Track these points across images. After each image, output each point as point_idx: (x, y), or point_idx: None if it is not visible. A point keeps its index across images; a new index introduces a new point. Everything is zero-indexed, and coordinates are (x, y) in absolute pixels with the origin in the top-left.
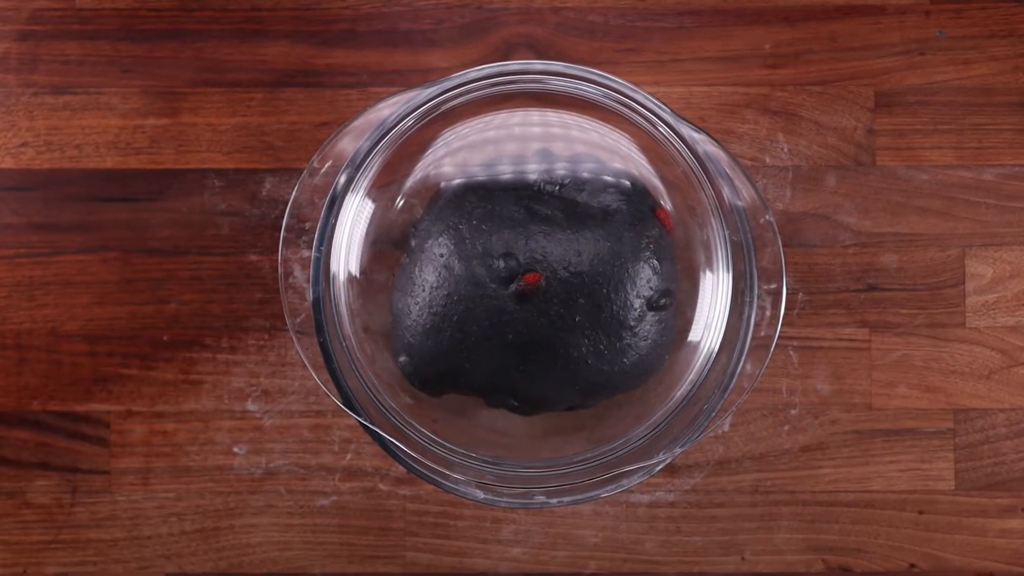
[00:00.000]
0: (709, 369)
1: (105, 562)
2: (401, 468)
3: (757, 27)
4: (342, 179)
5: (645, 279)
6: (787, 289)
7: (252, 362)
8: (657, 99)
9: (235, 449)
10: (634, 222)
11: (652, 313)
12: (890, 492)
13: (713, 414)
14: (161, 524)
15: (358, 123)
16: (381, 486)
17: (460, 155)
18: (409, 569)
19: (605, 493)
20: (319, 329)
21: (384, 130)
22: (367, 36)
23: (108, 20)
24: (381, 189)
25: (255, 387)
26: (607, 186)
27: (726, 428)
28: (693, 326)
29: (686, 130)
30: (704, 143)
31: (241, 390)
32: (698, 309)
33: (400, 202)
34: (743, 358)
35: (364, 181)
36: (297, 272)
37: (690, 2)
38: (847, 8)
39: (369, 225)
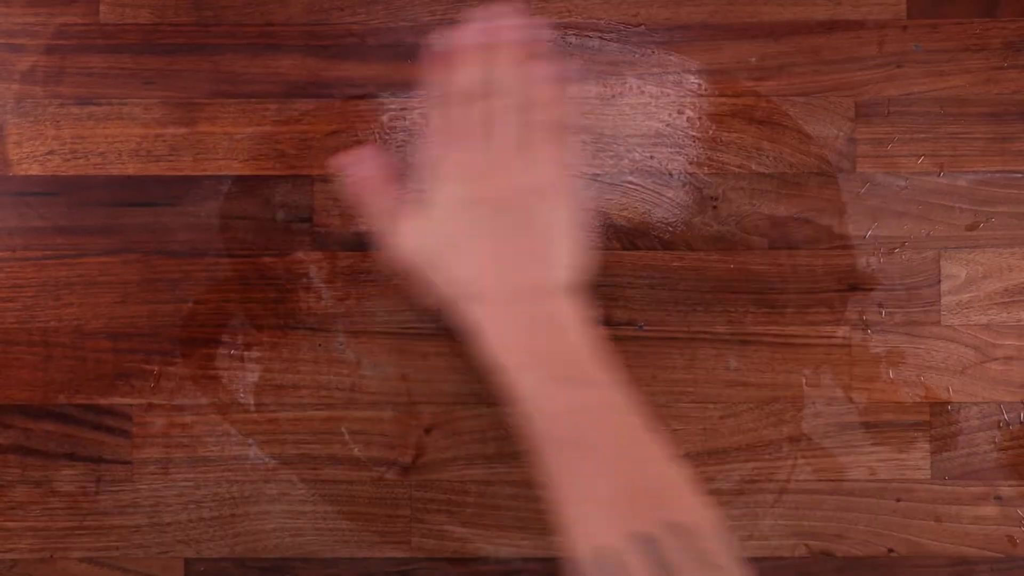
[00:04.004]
0: None
1: (127, 547)
2: (407, 458)
3: (744, 41)
4: None
5: None
6: (775, 290)
7: (266, 358)
8: None
9: (250, 440)
10: None
11: None
12: (869, 481)
13: None
14: (180, 511)
15: None
16: (388, 475)
17: None
18: (415, 553)
19: None
20: None
21: None
22: (375, 49)
23: (131, 35)
24: None
25: (269, 382)
26: None
27: None
28: None
29: None
30: None
31: (256, 385)
32: None
33: None
34: None
35: None
36: (312, 273)
37: (680, 18)
38: (829, 23)
39: None
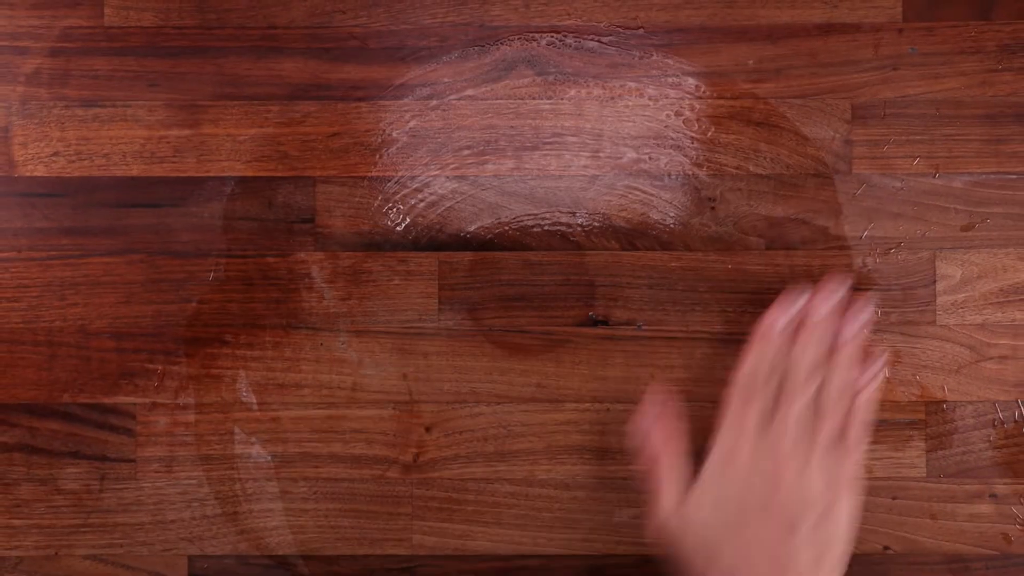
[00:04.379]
0: None
1: (131, 544)
2: (408, 457)
3: (742, 44)
4: None
5: None
6: (772, 290)
7: (269, 357)
8: None
9: (253, 439)
10: None
11: None
12: (865, 479)
13: None
14: (184, 509)
15: None
16: (390, 474)
17: None
18: (416, 551)
19: None
20: None
21: None
22: (376, 52)
23: (135, 38)
24: None
25: (272, 381)
26: None
27: None
28: None
29: None
30: None
31: (259, 383)
32: None
33: None
34: None
35: None
36: (314, 273)
37: (679, 21)
38: (826, 27)
39: None
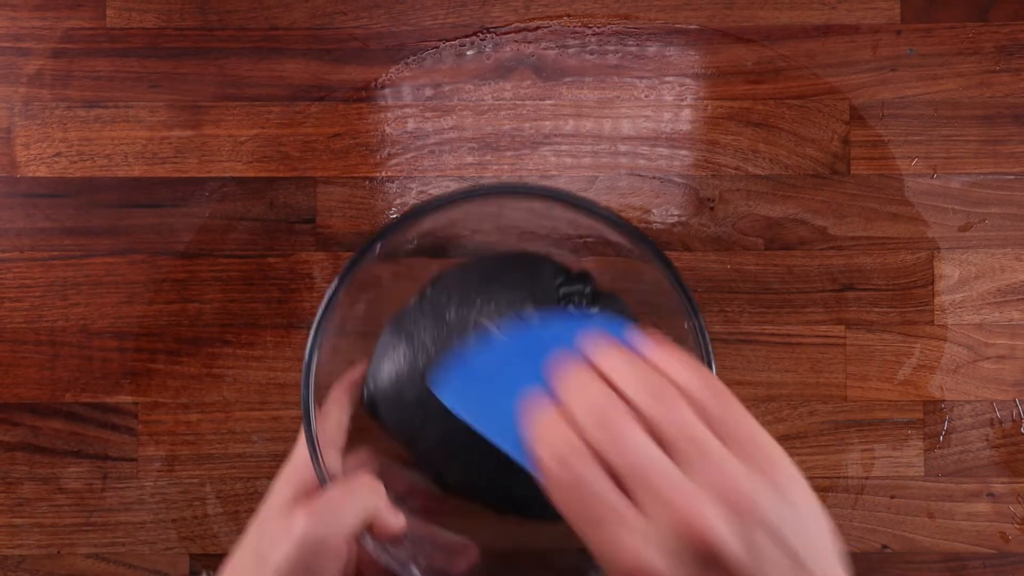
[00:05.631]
0: None
1: (133, 543)
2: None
3: (740, 45)
4: (334, 283)
5: None
6: (770, 290)
7: (270, 357)
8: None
9: (254, 438)
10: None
11: None
12: (864, 478)
13: None
14: (186, 508)
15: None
16: None
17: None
18: None
19: None
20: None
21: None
22: (377, 53)
23: (137, 39)
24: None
25: (273, 380)
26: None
27: None
28: None
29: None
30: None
31: (260, 383)
32: None
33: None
34: None
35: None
36: (315, 273)
37: (678, 22)
38: (824, 28)
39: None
